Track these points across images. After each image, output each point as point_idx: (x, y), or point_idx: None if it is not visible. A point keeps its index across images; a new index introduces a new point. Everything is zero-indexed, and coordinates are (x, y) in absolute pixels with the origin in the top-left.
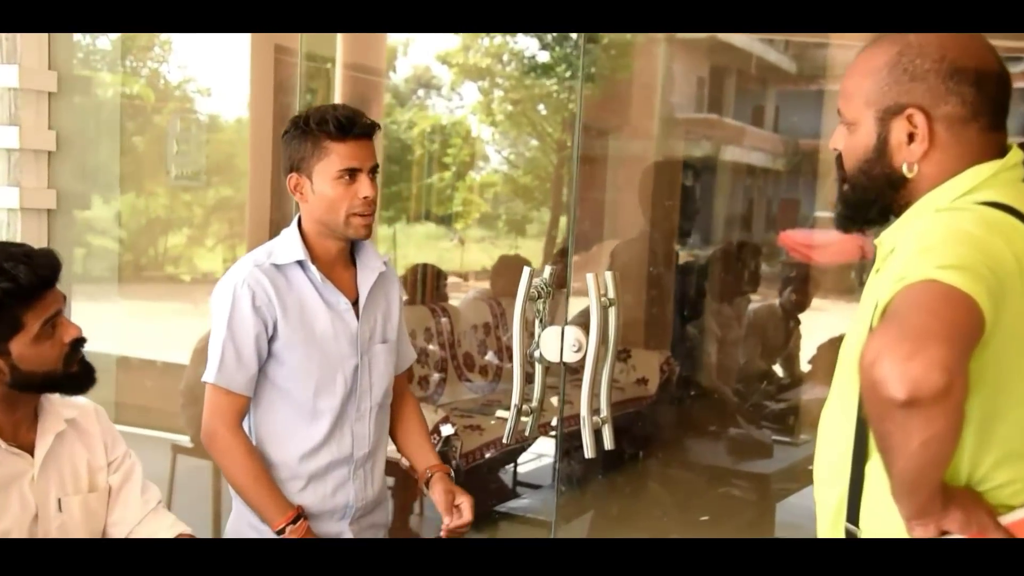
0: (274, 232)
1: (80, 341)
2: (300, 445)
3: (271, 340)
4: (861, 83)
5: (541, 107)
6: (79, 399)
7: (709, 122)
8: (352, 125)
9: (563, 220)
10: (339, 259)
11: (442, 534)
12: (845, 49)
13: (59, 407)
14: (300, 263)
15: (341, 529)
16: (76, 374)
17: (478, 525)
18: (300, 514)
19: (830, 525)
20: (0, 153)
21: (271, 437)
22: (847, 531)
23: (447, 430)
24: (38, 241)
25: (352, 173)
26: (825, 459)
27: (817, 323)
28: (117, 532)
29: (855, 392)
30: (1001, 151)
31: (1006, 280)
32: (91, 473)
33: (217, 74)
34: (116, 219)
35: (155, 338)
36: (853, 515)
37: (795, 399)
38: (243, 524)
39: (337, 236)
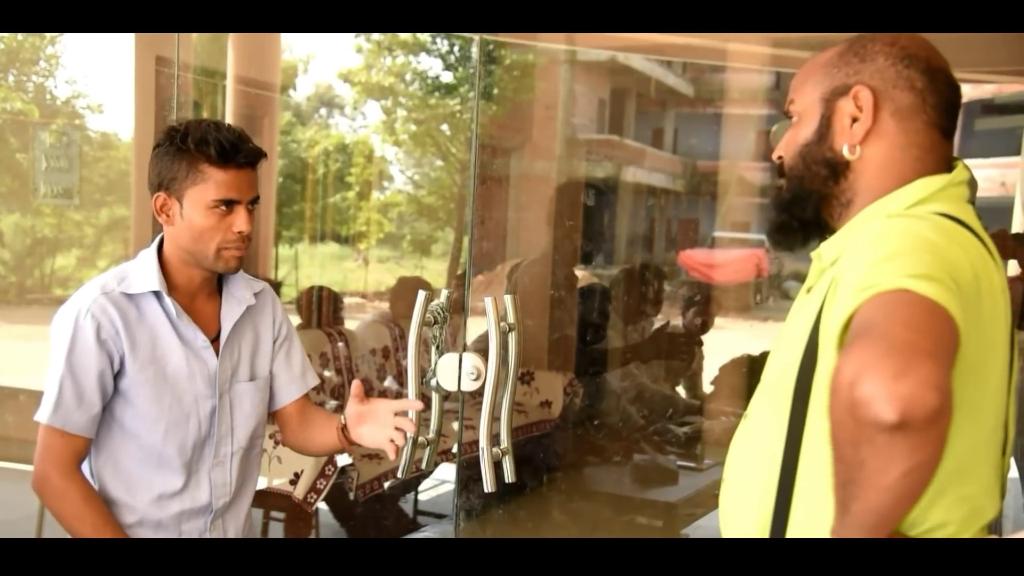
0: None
1: None
2: (149, 491)
3: (117, 376)
4: (809, 74)
5: (445, 127)
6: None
7: (610, 143)
8: (236, 152)
9: (466, 239)
10: (202, 289)
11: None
12: (741, 73)
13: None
14: (156, 293)
15: None
16: None
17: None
18: None
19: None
20: None
21: (116, 482)
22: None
23: (343, 460)
24: None
25: (229, 204)
26: (738, 491)
27: (718, 341)
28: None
29: (780, 419)
30: (946, 157)
31: (967, 295)
32: None
33: (107, 90)
34: None
35: (36, 363)
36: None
37: (699, 423)
38: None
39: (203, 267)
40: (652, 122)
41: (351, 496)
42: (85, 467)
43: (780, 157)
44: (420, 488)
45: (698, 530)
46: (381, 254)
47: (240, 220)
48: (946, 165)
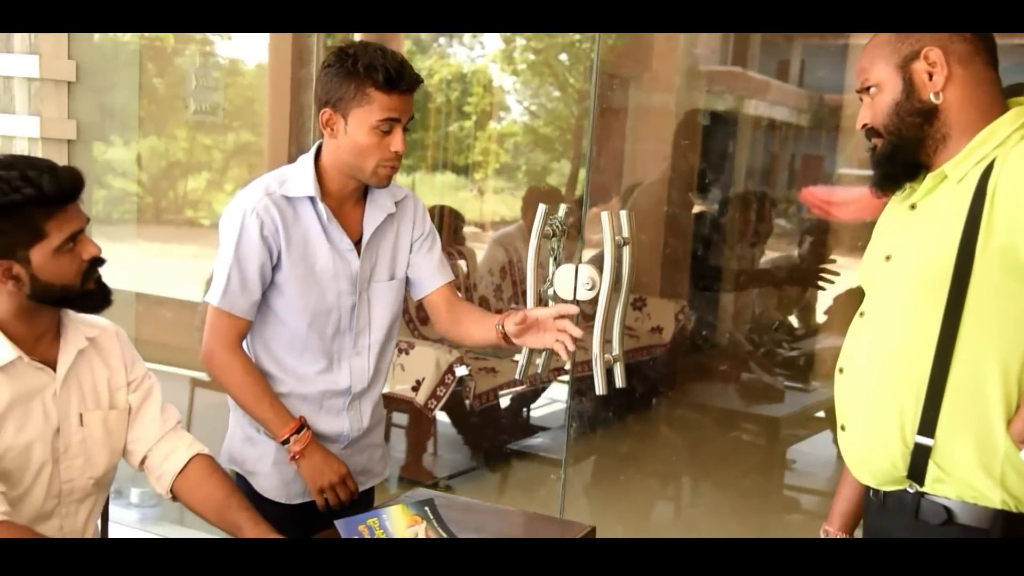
0: None
1: (99, 260)
2: (294, 370)
3: (274, 269)
4: (876, 52)
5: (563, 56)
6: (100, 320)
7: (733, 75)
8: (400, 78)
9: (583, 172)
10: (351, 197)
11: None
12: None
13: (81, 326)
14: (311, 199)
15: (336, 451)
16: (93, 292)
17: (491, 462)
18: (303, 424)
19: (886, 440)
20: (21, 82)
21: (268, 359)
22: (918, 444)
23: (461, 371)
24: None
25: (390, 125)
26: (877, 379)
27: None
28: (137, 449)
29: (935, 307)
30: (1000, 87)
31: None
32: (111, 391)
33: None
34: (136, 161)
35: (174, 279)
36: (928, 428)
37: (809, 348)
38: (237, 440)
39: (358, 179)
40: (778, 54)
41: (468, 405)
42: (244, 346)
43: (865, 124)
44: (532, 405)
45: (800, 455)
46: (496, 184)
47: (397, 140)
48: (999, 87)
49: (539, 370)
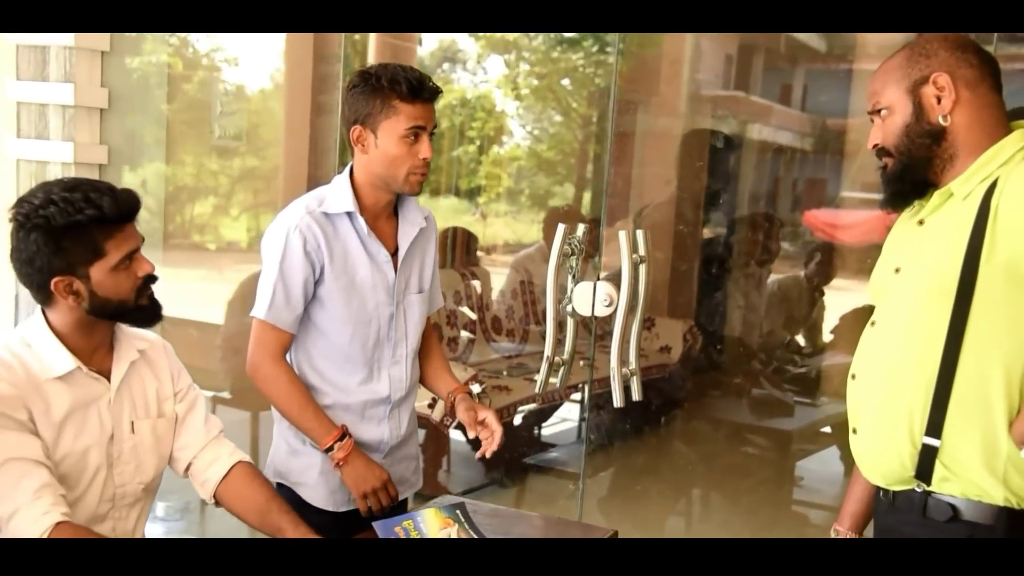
0: None
1: (152, 278)
2: (336, 382)
3: (316, 284)
4: (887, 76)
5: (566, 81)
6: (149, 334)
7: (736, 99)
8: (422, 88)
9: (586, 196)
10: (384, 211)
11: (477, 457)
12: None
13: (132, 339)
14: (349, 214)
15: (377, 461)
16: (146, 307)
17: (508, 477)
18: (345, 432)
19: (896, 442)
20: (56, 109)
21: (311, 372)
22: (925, 445)
23: (476, 388)
24: None
25: (417, 133)
26: (885, 383)
27: (839, 301)
28: (182, 456)
29: (942, 316)
30: (1004, 110)
31: None
32: (159, 401)
33: (246, 44)
34: (142, 186)
35: (185, 301)
36: (935, 430)
37: (817, 365)
38: (282, 452)
39: (390, 190)
40: (781, 78)
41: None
42: (288, 358)
43: (876, 144)
44: (544, 424)
45: (809, 464)
46: (499, 208)
47: (424, 147)
48: (1004, 112)
49: (557, 385)
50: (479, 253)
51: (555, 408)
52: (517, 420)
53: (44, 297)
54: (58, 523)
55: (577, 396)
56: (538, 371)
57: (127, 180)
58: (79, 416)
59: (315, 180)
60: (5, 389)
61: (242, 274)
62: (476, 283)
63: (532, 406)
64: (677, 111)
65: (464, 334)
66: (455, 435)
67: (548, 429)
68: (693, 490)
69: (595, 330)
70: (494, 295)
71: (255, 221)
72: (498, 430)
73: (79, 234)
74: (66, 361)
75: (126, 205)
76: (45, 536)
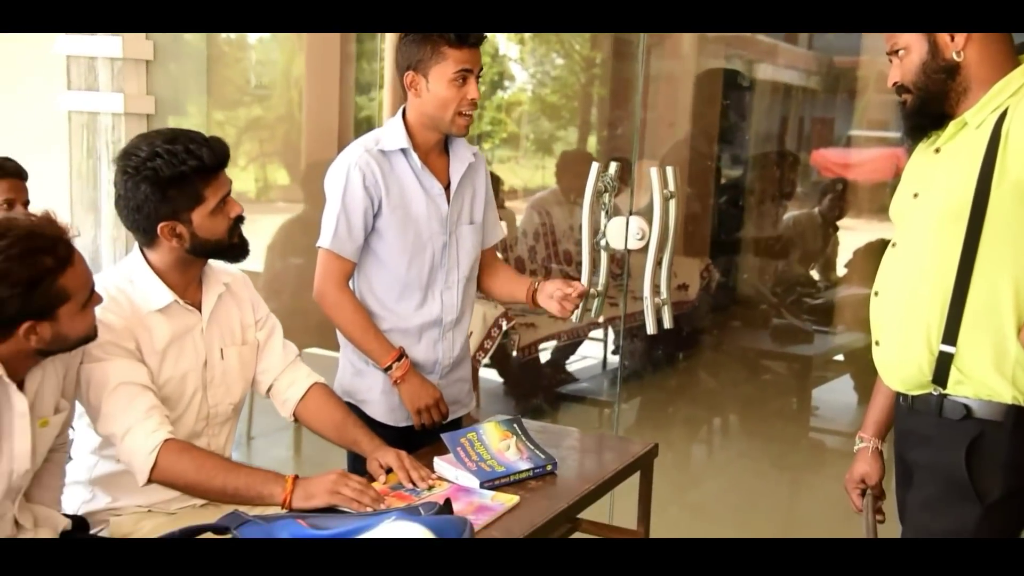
0: (342, 142)
1: (241, 218)
2: (395, 309)
3: (375, 216)
4: None
5: None
6: (232, 268)
7: (741, 39)
8: (468, 34)
9: (591, 139)
10: (435, 148)
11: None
12: None
13: (218, 273)
14: (403, 151)
15: (433, 382)
16: (237, 245)
17: (538, 410)
18: (403, 354)
19: (915, 350)
20: (104, 62)
21: (371, 298)
22: (942, 352)
23: (506, 324)
24: None
25: (465, 76)
26: (907, 299)
27: (851, 239)
28: (264, 379)
29: (957, 235)
30: (1012, 45)
31: None
32: (243, 329)
33: None
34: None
35: None
36: (951, 338)
37: (832, 296)
38: (348, 373)
39: (439, 130)
40: None
41: (513, 355)
42: (350, 286)
43: (896, 83)
44: (568, 360)
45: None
46: (502, 154)
47: (472, 89)
48: (1012, 47)
49: (592, 315)
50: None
51: (578, 344)
52: (544, 357)
53: (148, 240)
54: (166, 440)
55: (597, 334)
56: None
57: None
58: (177, 345)
59: (345, 126)
60: (115, 321)
61: (254, 224)
62: (502, 224)
63: (555, 343)
64: (689, 52)
65: None
66: (485, 372)
67: (572, 366)
68: (717, 415)
69: (628, 263)
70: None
71: (262, 171)
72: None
73: (183, 183)
74: (165, 295)
75: (221, 154)
76: (155, 451)
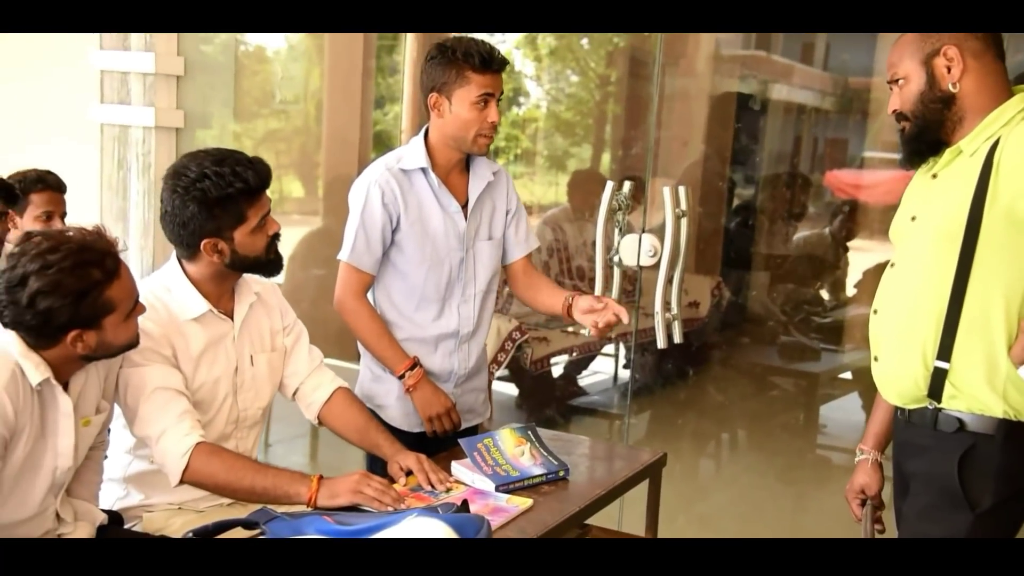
0: (362, 156)
1: (278, 235)
2: (412, 318)
3: (394, 231)
4: (903, 50)
5: (584, 41)
6: (261, 277)
7: (757, 59)
8: (492, 60)
9: (605, 156)
10: (457, 167)
11: (595, 330)
12: None
13: (250, 283)
14: (423, 170)
15: (448, 391)
16: (273, 260)
17: (555, 419)
18: (416, 363)
19: (911, 366)
20: (136, 77)
21: (390, 308)
22: (936, 368)
23: (519, 337)
24: (168, 156)
25: (487, 100)
26: (903, 315)
27: (861, 260)
28: (291, 383)
29: (951, 256)
30: (1006, 76)
31: None
32: (272, 335)
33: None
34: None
35: None
36: (945, 355)
37: (841, 316)
38: (367, 379)
39: (460, 150)
40: (802, 37)
41: (527, 367)
42: (369, 297)
43: (895, 110)
44: (579, 374)
45: (833, 409)
46: (516, 170)
47: (492, 112)
48: (1007, 79)
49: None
50: None
51: (591, 359)
52: (557, 371)
53: (190, 253)
54: (198, 443)
55: (609, 349)
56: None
57: (212, 140)
58: (211, 352)
59: (365, 140)
60: (153, 328)
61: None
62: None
63: (567, 357)
64: (703, 72)
65: (506, 288)
66: (498, 385)
67: (584, 379)
68: (725, 429)
69: (640, 279)
70: None
71: (278, 184)
72: (619, 309)
73: (228, 204)
74: (200, 305)
75: (265, 176)
76: (188, 454)
